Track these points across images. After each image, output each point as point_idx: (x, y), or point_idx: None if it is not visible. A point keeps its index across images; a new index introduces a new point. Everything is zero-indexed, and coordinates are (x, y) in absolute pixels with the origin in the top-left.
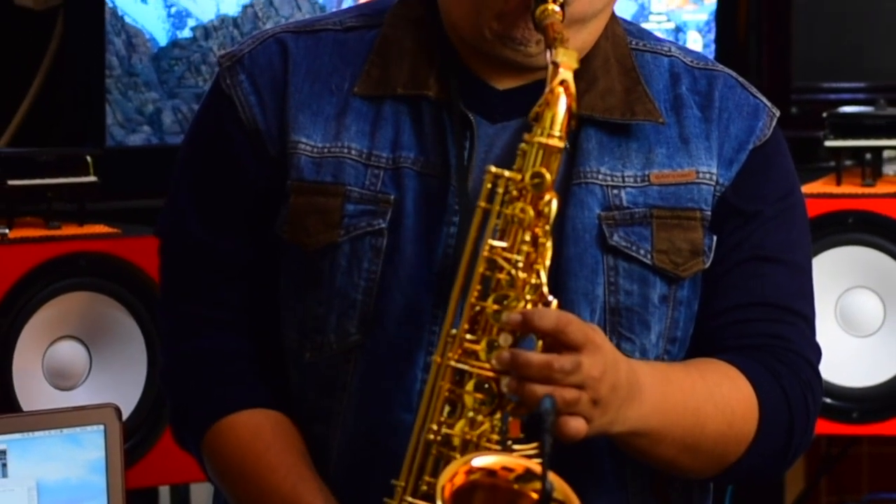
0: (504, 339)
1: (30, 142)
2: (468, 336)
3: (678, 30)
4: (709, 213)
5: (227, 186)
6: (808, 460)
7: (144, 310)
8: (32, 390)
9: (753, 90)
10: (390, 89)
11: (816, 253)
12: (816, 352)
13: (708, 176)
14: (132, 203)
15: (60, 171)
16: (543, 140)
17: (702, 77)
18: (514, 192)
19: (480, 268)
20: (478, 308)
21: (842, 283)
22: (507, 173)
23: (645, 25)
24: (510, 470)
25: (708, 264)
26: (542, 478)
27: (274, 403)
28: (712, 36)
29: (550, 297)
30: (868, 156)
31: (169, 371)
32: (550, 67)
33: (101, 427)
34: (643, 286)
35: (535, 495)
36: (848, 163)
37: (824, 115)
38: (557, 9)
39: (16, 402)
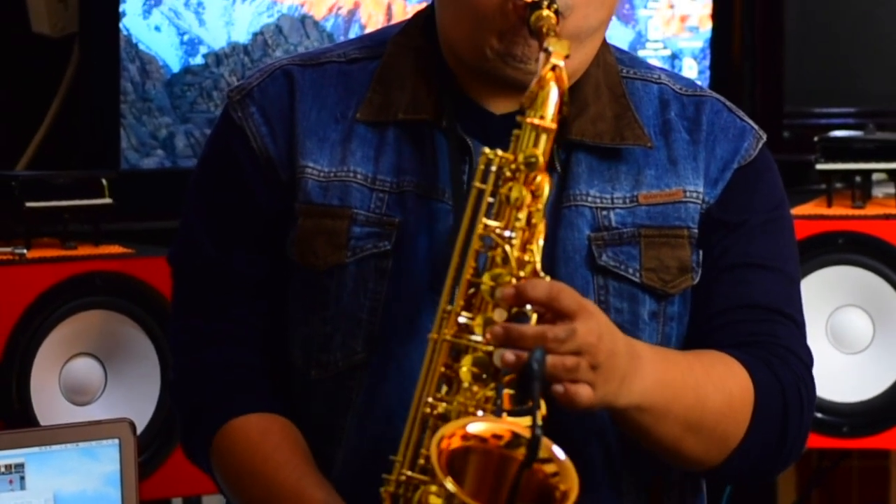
0: (499, 315)
1: (47, 165)
2: (464, 313)
3: (674, 56)
4: (696, 230)
5: (240, 209)
6: (800, 473)
7: (158, 327)
8: (50, 405)
9: (741, 114)
10: (392, 115)
11: (808, 272)
12: (808, 353)
13: (695, 195)
14: (146, 224)
15: (76, 193)
16: (536, 122)
17: (690, 103)
18: (508, 173)
19: (475, 245)
20: (473, 285)
21: (832, 302)
22: (500, 153)
23: (642, 52)
24: (499, 437)
25: (696, 280)
26: (533, 427)
27: (280, 410)
28: (707, 63)
29: (543, 274)
30: (858, 179)
31: (178, 383)
32: (542, 55)
33: (116, 441)
34: (633, 303)
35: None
36: (838, 185)
37: (815, 139)
38: (552, 13)
39: (34, 416)
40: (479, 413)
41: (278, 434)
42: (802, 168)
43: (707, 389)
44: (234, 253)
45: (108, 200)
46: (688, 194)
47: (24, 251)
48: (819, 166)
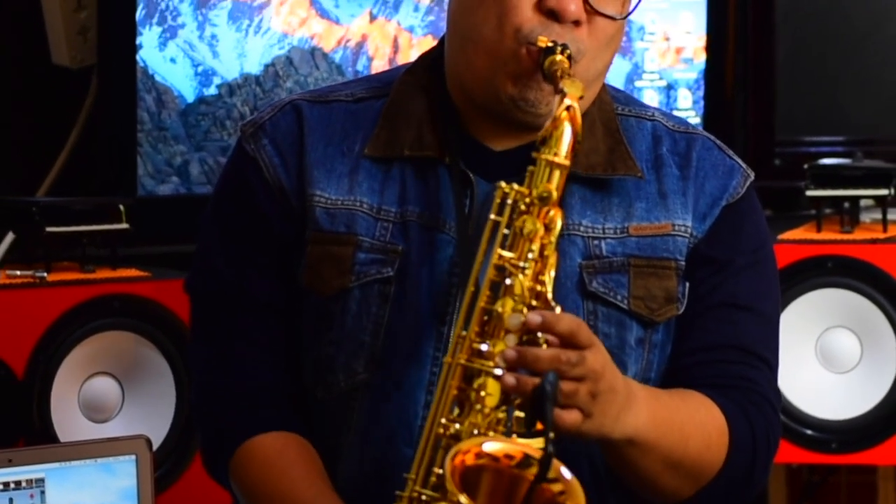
0: (511, 341)
1: (67, 191)
2: (476, 338)
3: (669, 87)
4: (683, 262)
5: (255, 235)
6: (791, 488)
7: (173, 348)
8: (69, 422)
9: (730, 152)
10: (398, 151)
11: (799, 295)
12: (778, 396)
13: (683, 228)
14: (162, 248)
15: (95, 218)
16: (550, 158)
17: (681, 139)
18: (523, 207)
19: (490, 275)
20: (486, 313)
21: (822, 323)
22: (516, 187)
23: (638, 83)
24: (511, 457)
25: (682, 310)
26: (545, 446)
27: (297, 428)
28: (701, 93)
29: (555, 303)
30: (846, 205)
31: (199, 405)
32: (557, 97)
33: (133, 457)
34: (620, 329)
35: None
36: (827, 211)
37: (806, 166)
38: (565, 58)
39: (54, 433)
40: (491, 434)
41: (294, 452)
42: (793, 194)
43: (690, 430)
44: (249, 277)
45: (125, 225)
46: (676, 228)
47: (45, 274)
48: (809, 193)
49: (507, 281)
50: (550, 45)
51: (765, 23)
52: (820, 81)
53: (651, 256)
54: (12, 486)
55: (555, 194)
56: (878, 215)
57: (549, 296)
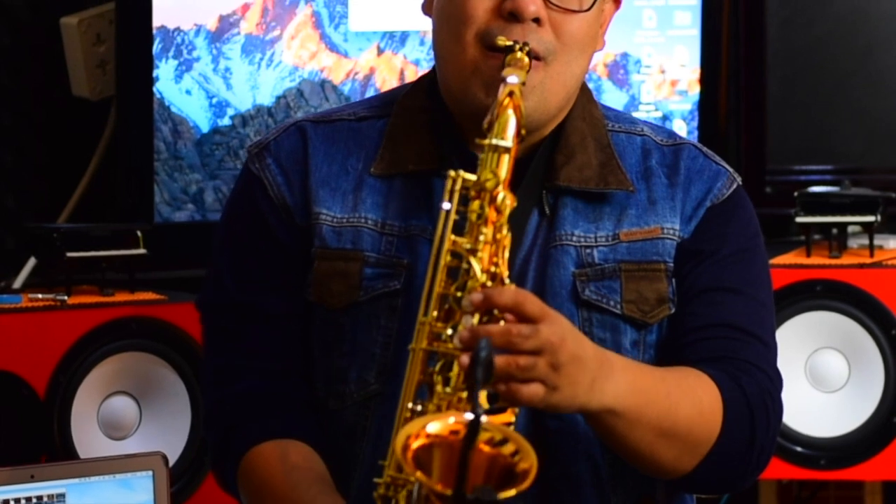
0: (467, 322)
1: (86, 218)
2: (438, 323)
3: (665, 118)
4: (672, 264)
5: (261, 250)
6: (781, 502)
7: (189, 368)
8: (89, 440)
9: (716, 158)
10: (402, 167)
11: (789, 317)
12: (775, 370)
13: (671, 231)
14: (177, 273)
15: (114, 244)
16: (496, 142)
17: (670, 152)
18: (473, 193)
19: (445, 259)
20: (446, 298)
21: (811, 345)
22: (463, 174)
23: (635, 114)
24: (457, 432)
25: (673, 310)
26: (473, 408)
27: (302, 436)
28: (696, 123)
29: (509, 283)
30: (834, 231)
31: (208, 417)
32: (501, 86)
33: (150, 473)
34: (615, 333)
35: (484, 447)
36: (817, 237)
37: (795, 194)
38: (524, 55)
39: (74, 450)
40: (444, 412)
41: (296, 457)
42: (784, 221)
43: (678, 397)
44: (257, 292)
45: (142, 251)
46: (665, 231)
47: (66, 297)
48: (799, 219)
49: (463, 265)
50: (510, 43)
51: (756, 57)
52: (809, 113)
53: (641, 260)
54: (35, 500)
55: (501, 176)
56: (865, 241)
57: (505, 276)
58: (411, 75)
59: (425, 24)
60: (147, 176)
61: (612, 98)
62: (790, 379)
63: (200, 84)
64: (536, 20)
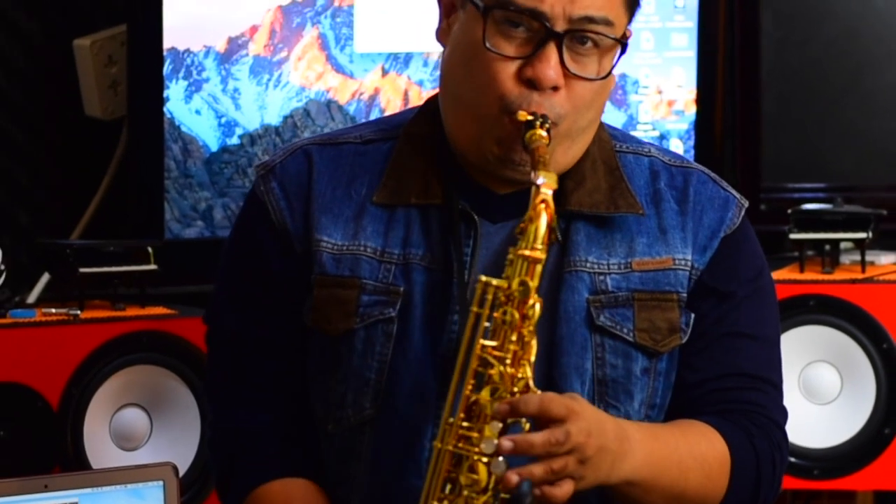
0: (494, 427)
1: (99, 235)
2: (464, 423)
3: (662, 137)
4: (685, 294)
5: (258, 279)
6: None
7: (198, 381)
8: (101, 450)
9: (724, 184)
10: (405, 199)
11: (783, 331)
12: (784, 415)
13: (683, 262)
14: (188, 288)
15: (125, 260)
16: (527, 253)
17: (678, 174)
18: (503, 298)
19: (474, 364)
20: (472, 399)
21: (804, 358)
22: (494, 282)
23: (633, 133)
24: None
25: (685, 340)
26: None
27: (303, 472)
28: (692, 143)
29: (534, 387)
30: (827, 247)
31: (213, 441)
32: (533, 189)
33: (161, 483)
34: (627, 360)
35: None
36: (810, 253)
37: (789, 211)
38: (544, 133)
39: (86, 460)
40: None
41: (300, 497)
42: (778, 237)
43: (689, 464)
44: (256, 322)
45: (153, 267)
46: (677, 262)
47: (78, 312)
48: (792, 236)
49: (490, 370)
50: (530, 118)
51: (751, 78)
52: (803, 132)
53: (654, 290)
54: None
55: (532, 285)
56: (857, 257)
57: (531, 382)
58: (415, 95)
59: (428, 47)
60: (158, 194)
61: (611, 118)
62: (784, 392)
63: (210, 104)
64: (554, 87)
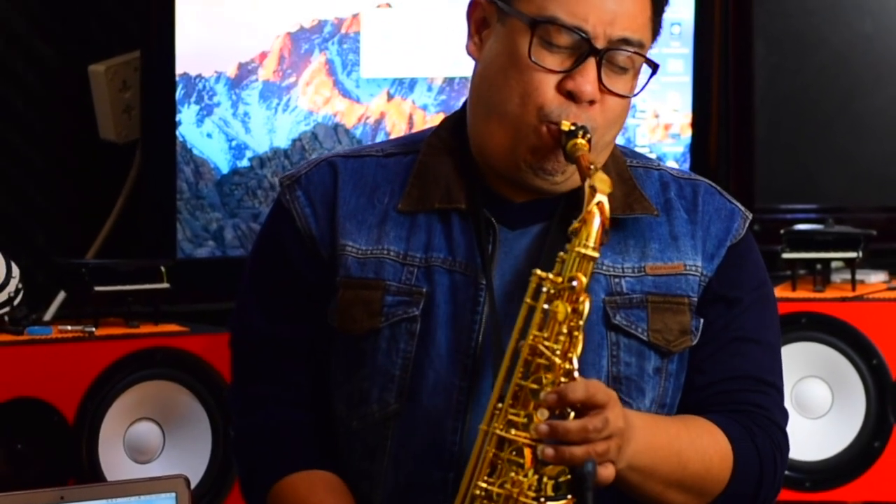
0: (541, 414)
1: (113, 254)
2: (511, 409)
3: (659, 159)
4: (695, 299)
5: (285, 284)
6: None
7: (210, 395)
8: (115, 463)
9: (729, 197)
10: (428, 205)
11: None
12: (785, 418)
13: (694, 268)
14: (199, 306)
15: (139, 278)
16: (581, 250)
17: (686, 185)
18: (553, 291)
19: (525, 353)
20: (520, 387)
21: (797, 373)
22: (549, 275)
23: None
24: None
25: (695, 342)
26: None
27: (326, 465)
28: (688, 165)
29: (578, 375)
30: (819, 266)
31: (237, 443)
32: (588, 191)
33: (173, 495)
34: (640, 359)
35: None
36: (802, 272)
37: (782, 231)
38: (585, 142)
39: (101, 473)
40: (521, 498)
41: (323, 488)
42: (771, 257)
43: (689, 455)
44: (280, 324)
45: (166, 285)
46: (688, 268)
47: (93, 329)
48: (785, 255)
49: (539, 359)
50: (573, 128)
51: (745, 103)
52: (795, 155)
53: (667, 293)
54: None
55: (584, 281)
56: (848, 276)
57: (576, 374)
58: (419, 119)
59: (432, 72)
60: (170, 214)
61: None
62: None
63: (220, 128)
64: (591, 101)
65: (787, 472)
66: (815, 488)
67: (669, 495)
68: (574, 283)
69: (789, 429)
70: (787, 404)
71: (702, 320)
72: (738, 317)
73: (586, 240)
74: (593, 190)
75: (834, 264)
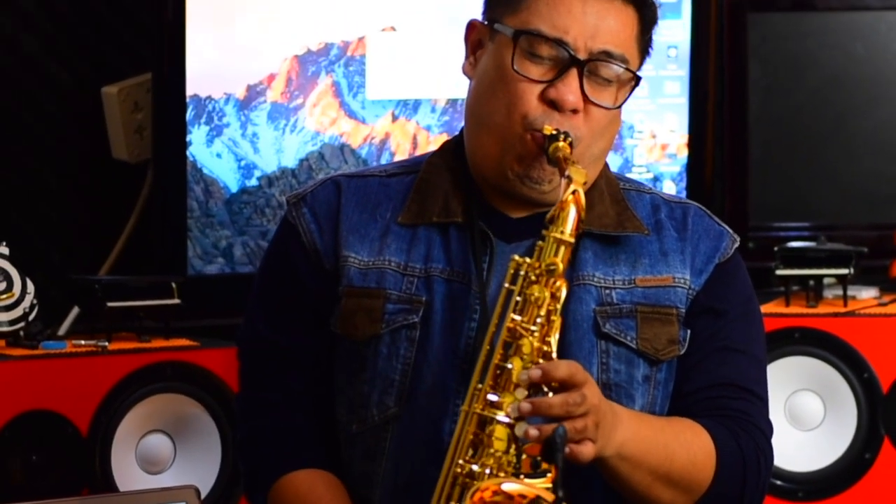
0: (520, 393)
1: (125, 271)
2: (490, 390)
3: (656, 179)
4: (683, 310)
5: (292, 297)
6: None
7: (219, 408)
8: (127, 474)
9: (717, 220)
10: (427, 218)
11: (770, 362)
12: (769, 426)
13: (682, 281)
14: (209, 321)
15: (150, 294)
16: (557, 236)
17: (677, 208)
18: (533, 277)
19: (504, 336)
20: (500, 368)
21: (790, 387)
22: (527, 260)
23: (628, 175)
24: (524, 497)
25: (682, 352)
26: (555, 488)
27: (326, 466)
28: (684, 184)
29: (556, 358)
30: (811, 282)
31: (241, 445)
32: (563, 181)
33: None
34: (629, 366)
35: None
36: (795, 288)
37: (775, 249)
38: (567, 145)
39: (114, 484)
40: (501, 474)
41: (322, 486)
42: (765, 273)
43: (674, 448)
44: (286, 334)
45: (177, 301)
46: (676, 280)
47: (106, 344)
48: (779, 272)
49: (518, 341)
50: (554, 132)
51: (739, 123)
52: (788, 174)
53: (655, 304)
54: None
55: (560, 267)
56: (840, 292)
57: (554, 355)
58: (423, 140)
59: (436, 94)
60: (181, 232)
61: (608, 160)
62: (771, 418)
63: (230, 148)
64: (574, 110)
65: (779, 483)
66: (807, 499)
67: (656, 489)
68: (552, 268)
69: (782, 440)
70: (781, 417)
71: (689, 332)
72: (724, 327)
73: (562, 226)
74: (569, 179)
75: (826, 281)
